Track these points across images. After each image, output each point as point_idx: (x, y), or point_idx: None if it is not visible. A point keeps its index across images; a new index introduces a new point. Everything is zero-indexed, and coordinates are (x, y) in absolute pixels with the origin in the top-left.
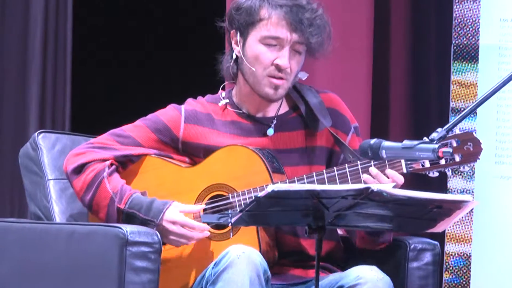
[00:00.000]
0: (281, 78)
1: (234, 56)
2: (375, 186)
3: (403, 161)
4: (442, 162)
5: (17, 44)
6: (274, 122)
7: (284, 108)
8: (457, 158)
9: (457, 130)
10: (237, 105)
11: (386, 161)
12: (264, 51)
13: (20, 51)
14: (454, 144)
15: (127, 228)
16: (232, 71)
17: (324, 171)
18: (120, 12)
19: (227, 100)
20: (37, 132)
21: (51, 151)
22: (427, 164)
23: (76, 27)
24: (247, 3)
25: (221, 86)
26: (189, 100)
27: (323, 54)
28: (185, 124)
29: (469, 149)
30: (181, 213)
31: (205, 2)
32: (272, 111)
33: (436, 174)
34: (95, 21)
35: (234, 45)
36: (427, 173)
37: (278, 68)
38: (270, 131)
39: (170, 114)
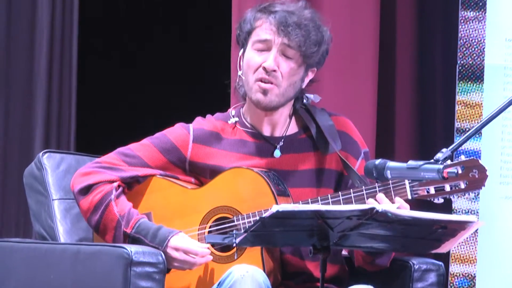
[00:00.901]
0: (270, 83)
1: (239, 73)
2: (379, 207)
3: (408, 187)
4: (447, 188)
5: (23, 64)
6: (281, 143)
7: (294, 128)
8: (462, 185)
9: (462, 157)
10: (246, 124)
11: (391, 186)
12: (254, 55)
13: (25, 71)
14: (459, 171)
15: (132, 248)
16: (240, 89)
17: (329, 195)
18: (126, 31)
19: (237, 119)
20: (42, 152)
21: (56, 171)
22: (432, 190)
23: (81, 47)
24: (246, 16)
25: (234, 106)
26: (198, 119)
27: (318, 62)
28: (193, 144)
29: (475, 176)
30: (185, 240)
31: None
32: (280, 130)
33: (441, 200)
34: (100, 41)
35: (239, 63)
36: (432, 199)
37: (266, 70)
38: (277, 153)
39: (178, 133)
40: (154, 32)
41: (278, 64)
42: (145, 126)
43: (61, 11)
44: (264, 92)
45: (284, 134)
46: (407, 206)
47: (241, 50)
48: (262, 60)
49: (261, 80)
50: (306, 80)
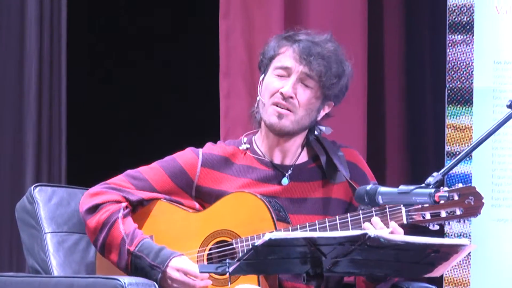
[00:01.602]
0: (286, 109)
1: (258, 98)
2: (372, 232)
3: (403, 212)
4: (443, 214)
5: (12, 98)
6: (290, 172)
7: (304, 158)
8: (458, 212)
9: (460, 185)
10: (256, 151)
11: (387, 210)
12: (274, 80)
13: (15, 105)
14: (456, 198)
15: (125, 280)
16: (255, 115)
17: (327, 219)
18: (116, 64)
19: (248, 145)
20: (33, 186)
21: (47, 204)
22: (428, 216)
23: (71, 78)
24: (270, 42)
25: (246, 133)
26: (208, 144)
27: (337, 95)
28: (202, 168)
29: (470, 203)
30: (185, 262)
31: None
32: (290, 159)
33: (437, 227)
34: (90, 72)
35: (258, 88)
36: (427, 225)
37: (283, 96)
38: (285, 181)
39: (187, 157)
40: (154, 63)
41: (295, 91)
42: (137, 158)
43: (49, 41)
44: (279, 116)
45: (294, 163)
46: (401, 230)
47: (262, 75)
48: (280, 86)
49: (277, 105)
50: (322, 113)
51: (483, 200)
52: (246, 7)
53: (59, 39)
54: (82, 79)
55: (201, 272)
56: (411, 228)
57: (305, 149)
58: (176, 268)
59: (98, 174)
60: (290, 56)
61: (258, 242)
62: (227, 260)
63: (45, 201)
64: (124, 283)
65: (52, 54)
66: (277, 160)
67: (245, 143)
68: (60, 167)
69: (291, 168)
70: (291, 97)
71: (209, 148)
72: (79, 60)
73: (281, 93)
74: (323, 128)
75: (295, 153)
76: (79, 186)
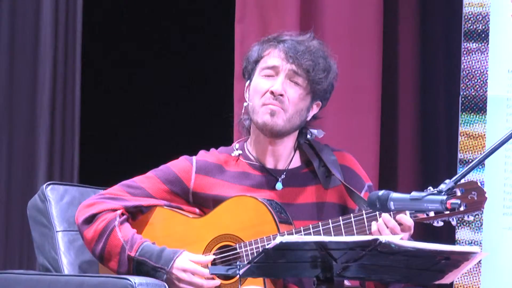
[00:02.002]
0: (277, 106)
1: (245, 104)
2: (383, 238)
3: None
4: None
5: (26, 97)
6: (283, 176)
7: (297, 162)
8: (462, 207)
9: (462, 180)
10: (249, 156)
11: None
12: (262, 81)
13: (29, 104)
14: (459, 193)
15: (136, 280)
16: (244, 121)
17: (330, 220)
18: (128, 67)
19: (240, 151)
20: (46, 184)
21: (59, 203)
22: (432, 213)
23: (84, 78)
24: (253, 48)
25: (238, 140)
26: (201, 152)
27: (324, 93)
28: (196, 175)
29: (473, 198)
30: (191, 261)
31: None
32: (283, 164)
33: (441, 223)
34: (103, 72)
35: (245, 95)
36: (431, 222)
37: (273, 95)
38: (279, 185)
39: (182, 165)
40: (161, 61)
41: (285, 89)
42: (149, 158)
43: (64, 42)
44: (272, 113)
45: (286, 167)
46: (410, 220)
47: (247, 81)
48: (269, 85)
49: (268, 104)
50: (311, 113)
51: (486, 195)
52: (261, 12)
53: (74, 37)
54: (97, 78)
55: (212, 274)
56: (421, 232)
57: (297, 153)
58: (183, 269)
59: (111, 173)
60: (277, 56)
61: (269, 245)
62: (238, 262)
63: (57, 199)
64: (135, 282)
65: (67, 52)
66: (270, 164)
67: (237, 149)
68: (72, 166)
69: (284, 173)
70: (281, 95)
71: (203, 155)
72: (94, 59)
73: (271, 92)
74: (315, 131)
75: (287, 157)
76: (91, 185)
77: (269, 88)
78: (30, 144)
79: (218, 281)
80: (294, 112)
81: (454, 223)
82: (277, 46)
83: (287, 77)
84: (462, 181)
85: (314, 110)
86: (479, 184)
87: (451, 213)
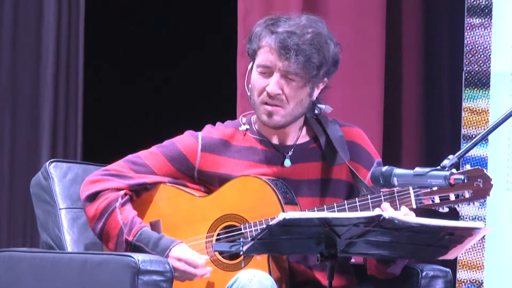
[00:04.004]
0: (275, 106)
1: (250, 85)
2: (386, 214)
3: (412, 196)
4: (452, 198)
5: (29, 74)
6: (291, 153)
7: (304, 137)
8: (467, 194)
9: (468, 166)
10: (256, 131)
11: (396, 195)
12: (258, 78)
13: (32, 82)
14: (465, 180)
15: (139, 257)
16: (250, 97)
17: (335, 204)
18: (131, 41)
19: (247, 126)
20: (49, 162)
21: (62, 180)
22: (437, 199)
23: (88, 56)
24: (254, 31)
25: (244, 113)
26: (207, 127)
27: (326, 76)
28: (202, 153)
29: (479, 185)
30: (186, 251)
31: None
32: (291, 139)
33: (446, 209)
34: (107, 51)
35: (247, 75)
36: (437, 208)
37: (269, 95)
38: (287, 162)
39: (187, 142)
40: (161, 42)
41: (281, 87)
42: (152, 134)
43: (67, 23)
44: (269, 114)
45: (294, 143)
46: (413, 214)
47: (250, 63)
48: (265, 84)
49: (266, 103)
50: (316, 93)
51: (492, 182)
52: None
53: (77, 14)
54: (100, 55)
55: (215, 250)
56: (424, 212)
57: (305, 128)
58: (177, 258)
59: (114, 150)
60: (269, 53)
61: (273, 221)
62: (241, 239)
63: (60, 177)
64: (138, 260)
65: (70, 28)
66: (277, 141)
67: (244, 123)
68: (75, 143)
69: (292, 149)
70: (278, 94)
71: (208, 131)
72: (97, 35)
73: (267, 92)
74: (322, 106)
75: (295, 134)
76: (94, 163)
77: (265, 86)
78: (33, 121)
79: (210, 269)
80: (294, 105)
81: (459, 209)
82: (271, 37)
83: (282, 75)
84: (468, 166)
85: (320, 87)
86: (485, 171)
87: (456, 200)
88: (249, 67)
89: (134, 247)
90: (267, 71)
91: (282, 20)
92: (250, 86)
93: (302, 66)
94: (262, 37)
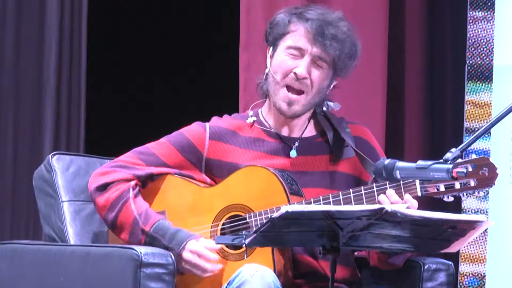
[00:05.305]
0: (298, 93)
1: (266, 71)
2: (389, 207)
3: (417, 184)
4: (457, 186)
5: (32, 67)
6: (297, 144)
7: (311, 131)
8: (472, 183)
9: (473, 156)
10: (263, 123)
11: (401, 183)
12: (286, 59)
13: (34, 74)
14: (470, 169)
15: (141, 250)
16: (262, 86)
17: (340, 193)
18: (134, 35)
19: (255, 118)
20: (52, 154)
21: (65, 173)
22: (442, 188)
23: (90, 48)
24: (279, 17)
25: (252, 106)
26: (214, 118)
27: (347, 73)
28: (210, 140)
29: (485, 174)
30: (201, 246)
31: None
32: (298, 131)
33: (451, 198)
34: (109, 43)
35: (267, 61)
36: (441, 197)
37: (296, 77)
38: (293, 153)
39: (195, 131)
40: (164, 36)
41: (309, 72)
42: (155, 127)
43: (70, 15)
44: (290, 103)
45: (300, 136)
46: (415, 202)
47: (270, 49)
48: (294, 66)
49: (289, 88)
50: (331, 86)
51: (497, 171)
52: None
53: (79, 9)
54: (103, 45)
55: (218, 243)
56: (428, 202)
57: (311, 122)
58: (190, 250)
59: (116, 144)
60: (303, 35)
61: (275, 214)
62: (243, 232)
63: (63, 169)
64: (140, 252)
65: (73, 17)
66: (284, 132)
67: (251, 116)
68: (78, 136)
69: (298, 141)
70: (305, 78)
71: (216, 121)
72: (100, 29)
73: (295, 74)
74: (331, 104)
75: (302, 126)
76: (97, 155)
77: (293, 68)
78: (36, 114)
79: (220, 265)
80: (315, 92)
81: (464, 198)
82: (304, 24)
83: (312, 60)
84: (473, 156)
85: (334, 83)
86: (490, 160)
87: (461, 189)
88: (269, 53)
89: (151, 238)
90: (298, 54)
91: (312, 9)
92: (270, 68)
93: (337, 56)
94: (292, 22)
